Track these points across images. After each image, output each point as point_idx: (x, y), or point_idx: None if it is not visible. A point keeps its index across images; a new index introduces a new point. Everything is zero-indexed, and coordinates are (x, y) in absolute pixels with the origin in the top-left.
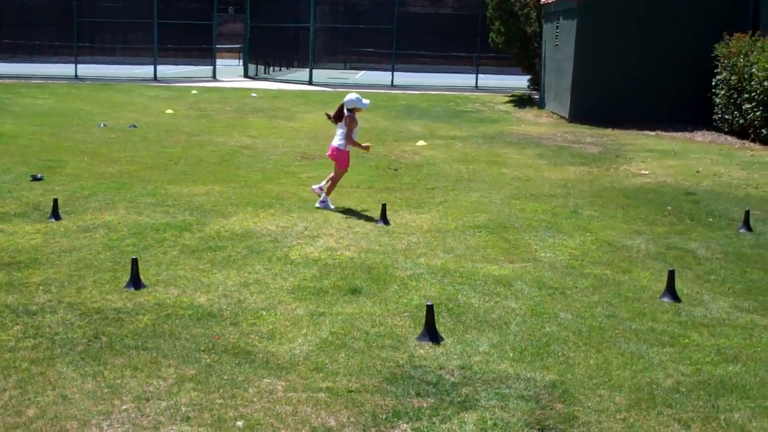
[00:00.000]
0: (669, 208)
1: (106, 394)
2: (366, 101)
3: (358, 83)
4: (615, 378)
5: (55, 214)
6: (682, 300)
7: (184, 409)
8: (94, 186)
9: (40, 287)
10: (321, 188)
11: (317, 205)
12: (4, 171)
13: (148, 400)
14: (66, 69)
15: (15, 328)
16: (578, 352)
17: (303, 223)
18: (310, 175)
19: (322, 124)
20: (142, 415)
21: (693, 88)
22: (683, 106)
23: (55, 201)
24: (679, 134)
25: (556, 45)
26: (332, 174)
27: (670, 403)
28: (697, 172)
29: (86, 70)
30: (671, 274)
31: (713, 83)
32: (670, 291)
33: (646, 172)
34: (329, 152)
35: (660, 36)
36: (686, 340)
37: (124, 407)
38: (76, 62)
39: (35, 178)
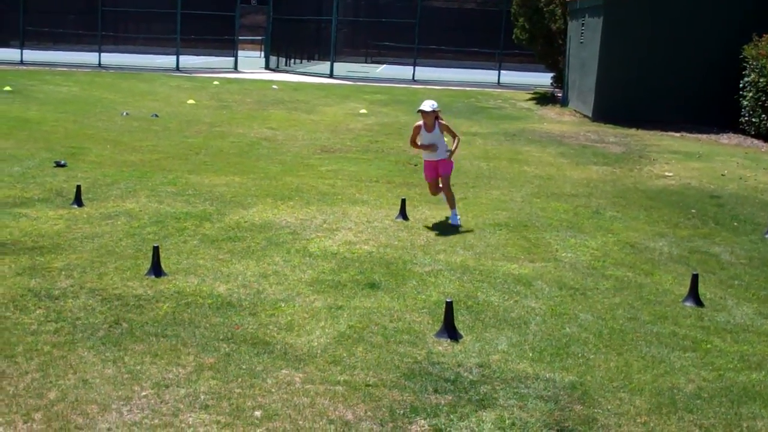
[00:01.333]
0: (693, 210)
1: (126, 379)
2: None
3: (379, 77)
4: (635, 381)
5: (78, 201)
6: (705, 305)
7: (202, 397)
8: (117, 174)
9: (63, 272)
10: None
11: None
12: (29, 157)
13: (167, 386)
14: (90, 57)
15: (37, 312)
16: (598, 354)
17: (322, 216)
18: (329, 168)
19: (342, 118)
20: (161, 402)
21: (720, 90)
22: (709, 107)
23: (78, 187)
24: (704, 136)
25: (581, 42)
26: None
27: (691, 409)
28: (723, 175)
29: (109, 58)
30: (695, 278)
31: (741, 85)
32: (693, 295)
33: (670, 174)
34: (433, 173)
35: (687, 36)
36: (709, 346)
37: (144, 393)
38: (100, 51)
39: (59, 165)
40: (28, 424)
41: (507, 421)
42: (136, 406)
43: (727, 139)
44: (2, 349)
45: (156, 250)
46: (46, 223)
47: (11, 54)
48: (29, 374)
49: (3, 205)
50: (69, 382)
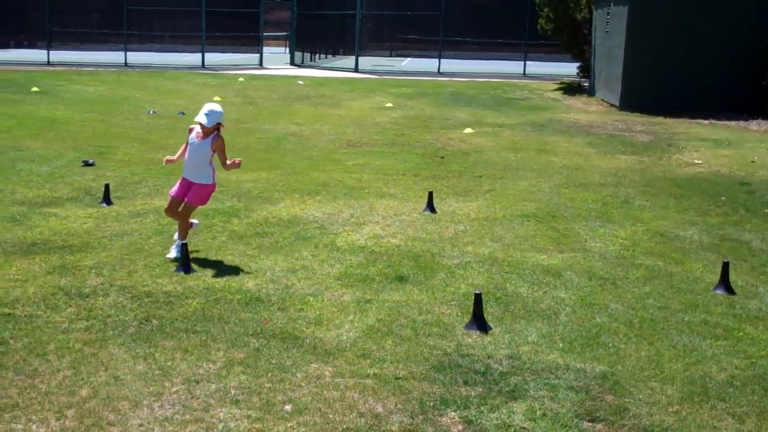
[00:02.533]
0: (723, 198)
1: (157, 375)
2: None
3: (405, 70)
4: (667, 370)
5: (107, 199)
6: (737, 292)
7: (233, 392)
8: (144, 172)
9: (93, 270)
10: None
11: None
12: (57, 156)
13: (197, 382)
14: (116, 57)
15: (68, 310)
16: (629, 343)
17: (349, 210)
18: (356, 162)
19: (368, 112)
20: (192, 397)
21: (748, 77)
22: (738, 94)
23: (107, 186)
24: (733, 123)
25: (607, 31)
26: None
27: (723, 397)
28: (752, 161)
29: (135, 57)
30: (725, 266)
31: None
32: (724, 283)
33: (699, 162)
34: (181, 192)
35: (714, 22)
36: (740, 334)
37: (175, 389)
38: (126, 50)
39: (87, 164)
40: (61, 421)
41: (538, 412)
42: (167, 402)
43: (757, 126)
44: (34, 347)
45: (184, 246)
46: (75, 222)
47: (38, 55)
48: (61, 372)
49: (33, 205)
50: (100, 378)
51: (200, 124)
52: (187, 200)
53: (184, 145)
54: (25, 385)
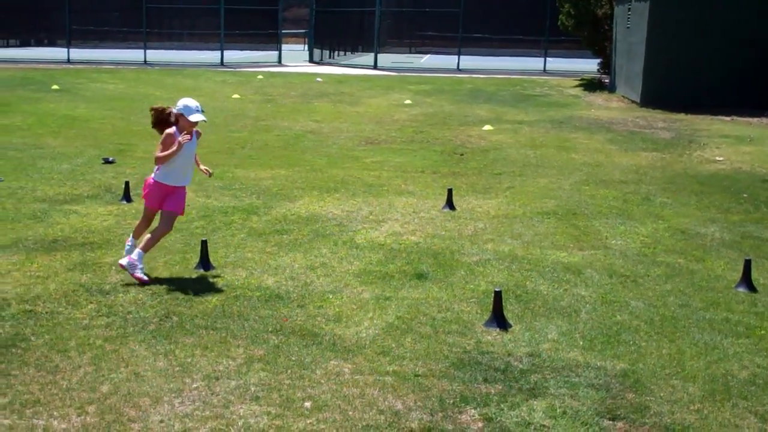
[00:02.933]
0: (745, 195)
1: (177, 372)
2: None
3: (424, 67)
4: (688, 368)
5: (127, 197)
6: (759, 290)
7: (253, 388)
8: None
9: (113, 267)
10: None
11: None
12: (77, 154)
13: (218, 379)
14: (135, 54)
15: (89, 307)
16: (650, 341)
17: (368, 207)
18: (374, 159)
19: (386, 109)
20: (212, 394)
21: None
22: (760, 90)
23: (127, 183)
24: (755, 119)
25: (628, 27)
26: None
27: (745, 396)
28: None
29: (155, 55)
30: (747, 264)
31: None
32: (746, 281)
33: (721, 159)
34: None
35: (735, 18)
36: (763, 332)
37: (195, 385)
38: (145, 48)
39: (107, 161)
40: (82, 417)
41: (558, 410)
42: (187, 399)
43: None
44: (55, 343)
45: (204, 244)
46: (95, 219)
47: (58, 53)
48: (82, 368)
49: (53, 203)
50: (121, 375)
51: (201, 122)
52: (172, 209)
53: (175, 150)
54: (47, 381)
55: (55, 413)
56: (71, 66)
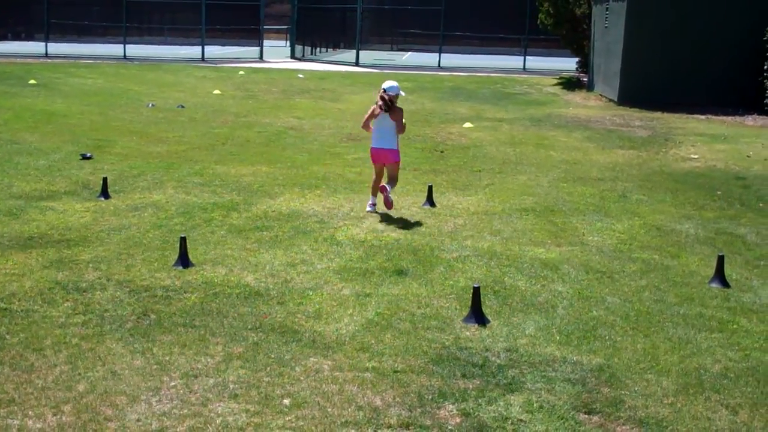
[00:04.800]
0: (719, 192)
1: (155, 370)
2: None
3: (405, 65)
4: (662, 363)
5: (105, 193)
6: (732, 286)
7: (231, 386)
8: (143, 165)
9: (90, 265)
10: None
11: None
12: (55, 150)
13: (196, 377)
14: (115, 49)
15: (65, 305)
16: (625, 336)
17: (349, 204)
18: (356, 156)
19: (368, 106)
20: (190, 392)
21: (744, 72)
22: (734, 90)
23: (105, 180)
24: (729, 118)
25: (606, 27)
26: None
27: (718, 389)
28: (748, 156)
29: (134, 50)
30: (720, 260)
31: (765, 66)
32: (720, 276)
33: (696, 156)
34: (379, 157)
35: (711, 18)
36: (735, 326)
37: (173, 384)
38: (125, 43)
39: (85, 157)
40: (58, 416)
41: (535, 404)
42: (165, 397)
43: (752, 121)
44: (31, 342)
45: (183, 240)
46: (72, 216)
47: (36, 47)
48: (58, 367)
49: (30, 199)
50: (98, 373)
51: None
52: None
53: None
54: (22, 380)
55: (30, 412)
56: (49, 60)
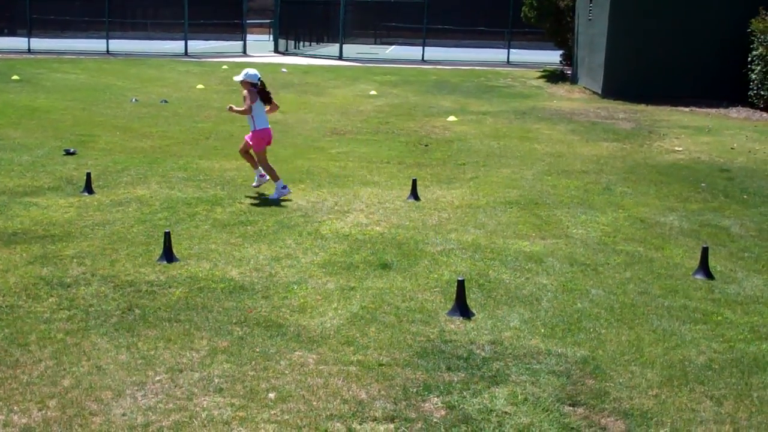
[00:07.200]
0: (703, 184)
1: (140, 365)
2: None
3: (389, 58)
4: (647, 354)
5: (89, 188)
6: (716, 277)
7: (216, 380)
8: (127, 160)
9: (74, 260)
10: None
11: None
12: (38, 145)
13: (181, 371)
14: (97, 44)
15: (50, 300)
16: (610, 328)
17: (333, 198)
18: (340, 150)
19: (352, 100)
20: (175, 386)
21: (728, 64)
22: (718, 82)
23: (88, 175)
24: (713, 110)
25: (590, 20)
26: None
27: (702, 380)
28: (732, 148)
29: (117, 45)
30: (705, 252)
31: (749, 59)
32: (704, 268)
33: (680, 149)
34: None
35: (695, 11)
36: (719, 318)
37: (158, 378)
38: (108, 38)
39: (68, 153)
40: (43, 411)
41: (519, 397)
42: (150, 391)
43: (736, 113)
44: (16, 337)
45: (167, 235)
46: (56, 211)
47: (19, 43)
48: (43, 362)
49: (13, 195)
50: (83, 368)
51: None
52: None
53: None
54: (6, 376)
55: (15, 408)
56: (32, 56)
